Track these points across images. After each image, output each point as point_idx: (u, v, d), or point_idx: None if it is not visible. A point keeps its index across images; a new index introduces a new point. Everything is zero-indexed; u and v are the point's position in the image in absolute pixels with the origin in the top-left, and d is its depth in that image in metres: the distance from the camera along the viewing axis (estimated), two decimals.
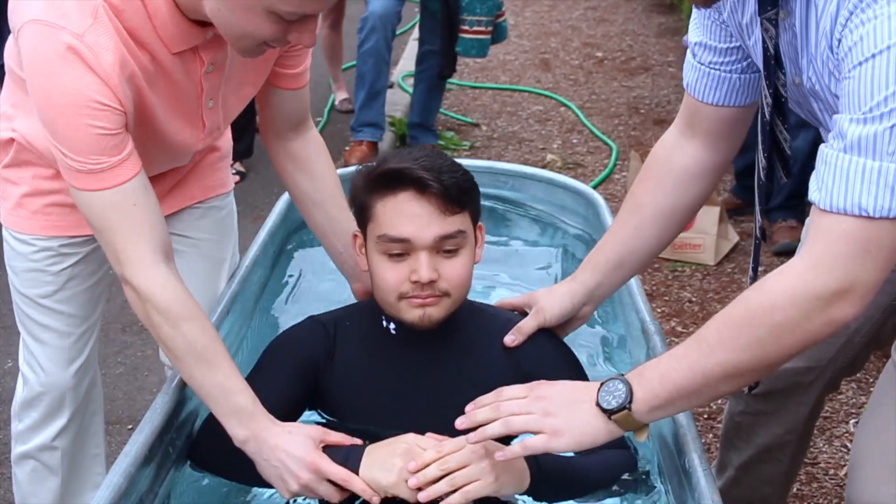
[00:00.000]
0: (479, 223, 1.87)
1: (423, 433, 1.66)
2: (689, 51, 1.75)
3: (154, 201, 1.73)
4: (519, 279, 2.60)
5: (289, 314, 2.40)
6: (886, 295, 1.86)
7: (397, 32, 5.23)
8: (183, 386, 1.84)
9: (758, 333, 1.40)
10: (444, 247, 1.74)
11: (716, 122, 1.76)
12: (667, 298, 3.82)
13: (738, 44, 1.66)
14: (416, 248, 1.72)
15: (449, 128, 5.58)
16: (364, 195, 1.79)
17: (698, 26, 1.70)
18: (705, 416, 3.09)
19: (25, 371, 2.13)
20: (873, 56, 1.29)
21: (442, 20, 4.77)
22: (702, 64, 1.72)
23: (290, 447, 1.64)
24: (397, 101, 5.80)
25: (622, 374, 1.54)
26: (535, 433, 1.52)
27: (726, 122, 1.76)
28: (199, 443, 1.82)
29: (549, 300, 1.88)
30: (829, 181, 1.33)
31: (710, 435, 2.94)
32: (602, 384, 1.53)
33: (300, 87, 2.02)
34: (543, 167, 4.69)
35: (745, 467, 2.24)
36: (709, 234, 4.01)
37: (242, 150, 4.52)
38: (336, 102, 5.80)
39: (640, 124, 5.65)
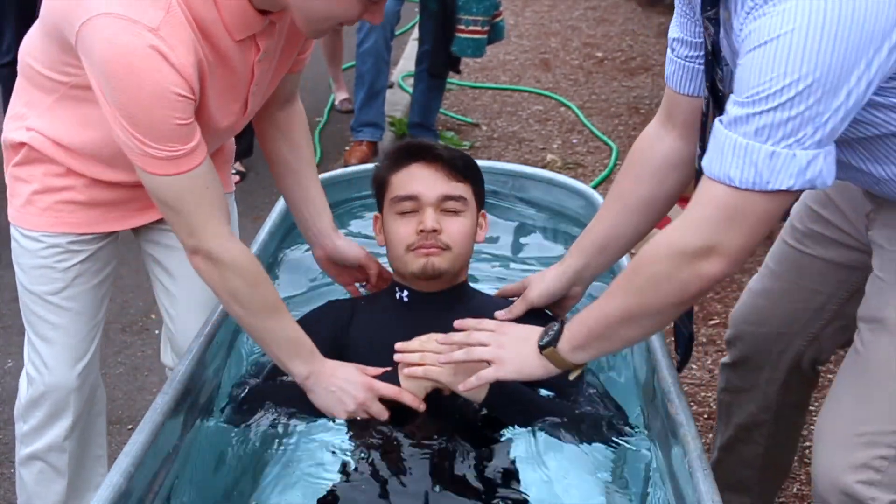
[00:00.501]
0: (483, 211, 2.16)
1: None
2: (669, 46, 1.86)
3: (219, 181, 1.87)
4: (519, 279, 2.59)
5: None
6: (858, 252, 1.94)
7: (397, 32, 5.23)
8: (183, 385, 1.85)
9: (641, 281, 1.61)
10: (448, 206, 2.04)
11: (691, 112, 1.84)
12: None
13: None
14: (423, 204, 2.03)
15: (449, 128, 5.58)
16: (382, 174, 2.12)
17: (676, 23, 1.81)
18: (705, 416, 3.09)
19: (30, 371, 2.13)
20: (755, 48, 1.43)
21: (436, 19, 4.77)
22: (678, 58, 1.84)
23: (346, 374, 1.91)
24: (397, 101, 5.80)
25: (565, 319, 1.78)
26: (489, 362, 1.78)
27: (701, 112, 1.84)
28: (256, 390, 2.02)
29: (537, 283, 2.07)
30: (712, 151, 1.51)
31: (710, 435, 2.94)
32: (548, 326, 1.79)
33: (300, 71, 2.14)
34: (543, 167, 4.68)
35: (726, 448, 2.33)
36: None
37: (242, 149, 4.51)
38: (336, 102, 5.80)
39: (640, 124, 5.65)
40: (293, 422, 2.02)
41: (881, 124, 1.56)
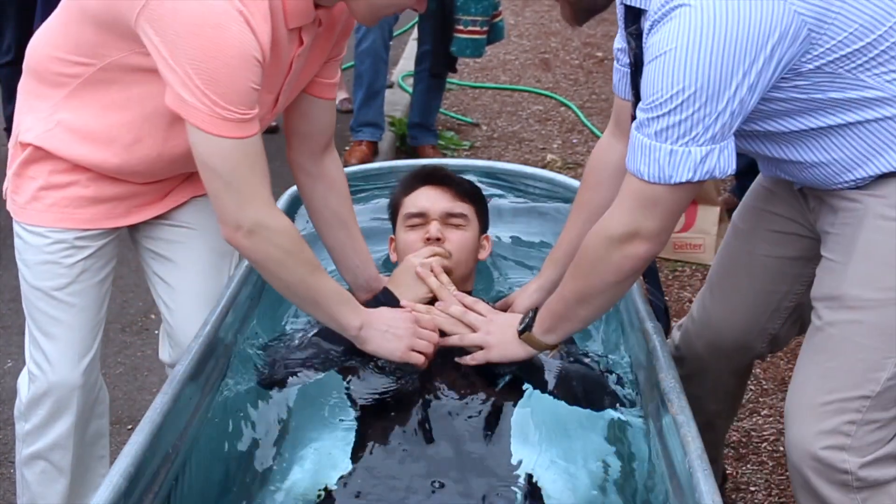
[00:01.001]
0: (487, 235, 2.40)
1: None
2: (614, 57, 2.01)
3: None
4: (519, 279, 2.60)
5: (288, 313, 2.40)
6: (808, 239, 2.00)
7: (396, 32, 5.22)
8: (183, 385, 1.85)
9: (584, 266, 1.85)
10: (451, 221, 2.29)
11: None
12: (667, 298, 3.81)
13: None
14: (430, 218, 2.28)
15: (449, 128, 5.58)
16: (396, 198, 2.38)
17: (620, 35, 1.95)
18: None
19: (32, 369, 2.13)
20: (650, 62, 1.65)
21: (435, 19, 4.77)
22: (622, 66, 2.00)
23: (389, 312, 2.05)
24: (397, 101, 5.80)
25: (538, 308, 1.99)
26: (480, 347, 2.03)
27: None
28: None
29: (520, 299, 2.24)
30: (629, 149, 1.73)
31: None
32: (524, 313, 2.02)
33: (332, 98, 2.22)
34: (543, 167, 4.68)
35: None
36: (709, 234, 4.02)
37: None
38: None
39: None
40: (294, 418, 2.02)
41: (787, 114, 1.75)
